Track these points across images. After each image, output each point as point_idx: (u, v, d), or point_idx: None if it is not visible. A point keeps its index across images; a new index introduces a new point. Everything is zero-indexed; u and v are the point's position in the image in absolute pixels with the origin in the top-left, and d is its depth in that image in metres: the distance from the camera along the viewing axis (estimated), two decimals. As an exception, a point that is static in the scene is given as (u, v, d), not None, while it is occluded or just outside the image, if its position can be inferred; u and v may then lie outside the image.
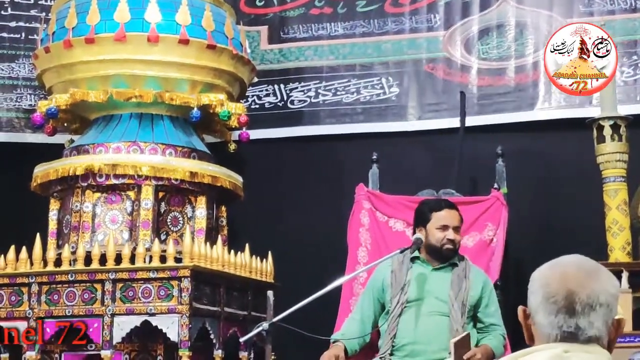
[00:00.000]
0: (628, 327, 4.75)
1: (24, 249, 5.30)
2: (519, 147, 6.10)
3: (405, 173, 6.17)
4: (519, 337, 2.00)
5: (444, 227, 4.30)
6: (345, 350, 4.16)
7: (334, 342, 4.22)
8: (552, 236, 5.93)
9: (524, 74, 6.46)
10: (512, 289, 5.35)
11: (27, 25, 6.99)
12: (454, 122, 6.24)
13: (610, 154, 5.37)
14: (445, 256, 4.31)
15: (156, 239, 5.33)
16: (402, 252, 4.26)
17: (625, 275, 5.01)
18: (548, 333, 1.76)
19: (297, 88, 6.90)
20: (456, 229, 4.33)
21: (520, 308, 1.87)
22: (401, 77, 6.72)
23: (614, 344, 1.81)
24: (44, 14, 6.63)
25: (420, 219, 4.39)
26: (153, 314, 5.01)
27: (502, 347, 4.28)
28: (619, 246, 5.29)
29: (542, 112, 6.35)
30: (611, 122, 5.38)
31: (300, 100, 6.88)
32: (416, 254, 4.34)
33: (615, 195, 5.34)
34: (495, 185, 5.44)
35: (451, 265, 4.33)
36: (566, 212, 6.15)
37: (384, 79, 6.75)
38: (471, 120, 6.24)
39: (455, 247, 4.33)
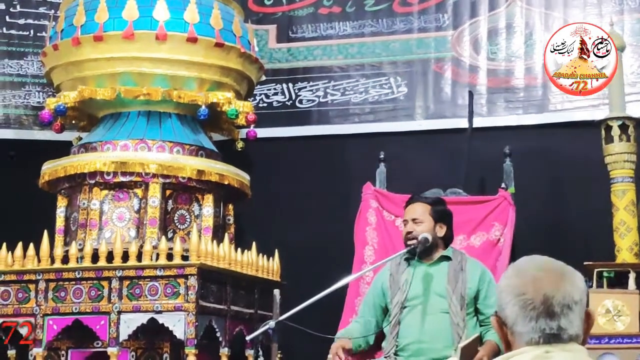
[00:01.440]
0: (635, 328, 4.73)
1: (31, 245, 5.31)
2: (526, 146, 6.08)
3: (413, 172, 6.14)
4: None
5: (405, 222, 4.32)
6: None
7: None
8: (559, 236, 5.91)
9: (533, 75, 6.44)
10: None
11: (36, 22, 7.00)
12: (461, 122, 6.23)
13: (618, 154, 5.34)
14: (411, 251, 4.25)
15: (163, 237, 5.34)
16: (408, 251, 4.25)
17: (632, 276, 4.97)
18: (530, 338, 1.78)
19: (305, 87, 6.90)
20: (415, 221, 4.27)
21: (493, 318, 1.89)
22: (409, 77, 6.72)
23: (587, 336, 1.84)
24: (52, 11, 6.65)
25: None
26: (159, 312, 5.02)
27: (505, 340, 4.23)
28: (626, 247, 5.26)
29: (552, 114, 6.33)
30: (619, 123, 5.36)
31: (308, 100, 6.87)
32: None
33: (622, 196, 5.31)
34: (503, 185, 5.41)
35: (445, 260, 4.30)
36: (573, 212, 6.13)
37: (393, 79, 6.75)
38: (480, 122, 6.23)
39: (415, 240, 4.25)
